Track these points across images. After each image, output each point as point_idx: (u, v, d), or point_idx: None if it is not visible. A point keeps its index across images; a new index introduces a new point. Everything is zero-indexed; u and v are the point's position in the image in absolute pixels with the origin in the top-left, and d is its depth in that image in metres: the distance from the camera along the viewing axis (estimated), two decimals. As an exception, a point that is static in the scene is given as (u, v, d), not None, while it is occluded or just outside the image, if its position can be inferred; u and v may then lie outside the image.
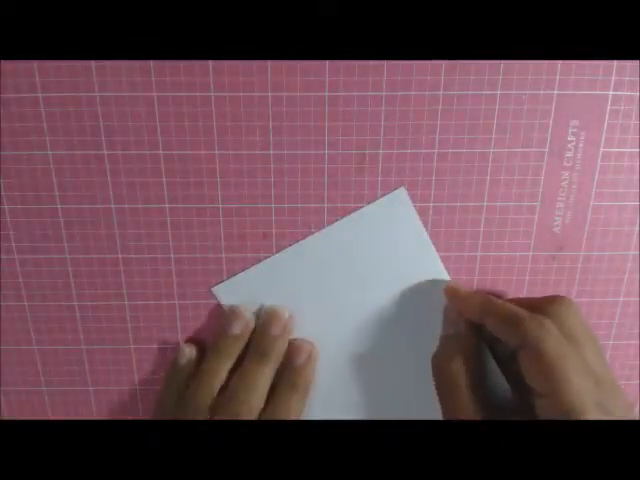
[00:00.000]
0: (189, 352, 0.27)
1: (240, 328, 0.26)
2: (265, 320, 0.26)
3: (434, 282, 0.27)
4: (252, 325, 0.26)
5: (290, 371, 0.26)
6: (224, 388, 0.25)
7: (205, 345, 0.28)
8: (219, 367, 0.25)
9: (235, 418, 0.24)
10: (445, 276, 0.27)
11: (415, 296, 0.27)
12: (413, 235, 0.26)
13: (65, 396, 0.29)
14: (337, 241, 0.26)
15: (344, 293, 0.27)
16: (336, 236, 0.26)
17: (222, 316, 0.27)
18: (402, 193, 0.25)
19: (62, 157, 0.25)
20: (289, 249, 0.26)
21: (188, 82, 0.24)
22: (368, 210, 0.26)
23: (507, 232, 0.26)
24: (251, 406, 0.24)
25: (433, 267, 0.26)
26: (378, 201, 0.26)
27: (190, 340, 0.28)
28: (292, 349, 0.26)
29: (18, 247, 0.27)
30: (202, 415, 0.24)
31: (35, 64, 0.24)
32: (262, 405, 0.25)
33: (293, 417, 0.25)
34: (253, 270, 0.27)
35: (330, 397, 0.28)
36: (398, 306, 0.27)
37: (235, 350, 0.26)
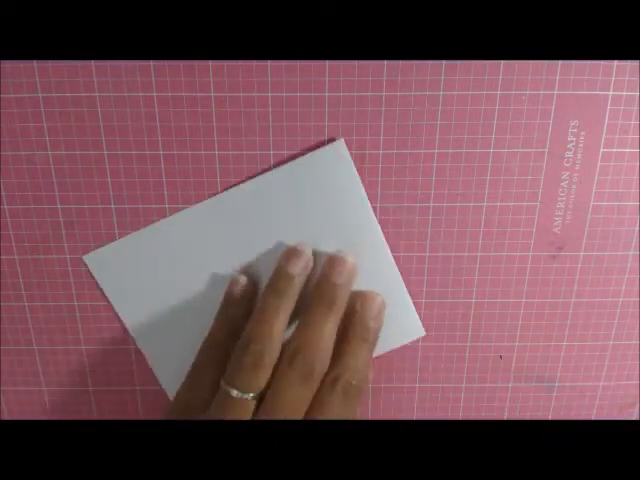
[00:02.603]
0: (243, 281, 0.25)
1: (299, 267, 0.24)
2: (328, 268, 0.25)
3: (367, 236, 0.26)
4: (311, 265, 0.25)
5: (361, 323, 0.25)
6: (287, 341, 0.24)
7: (256, 280, 0.26)
8: (279, 306, 0.24)
9: (308, 369, 0.22)
10: (378, 230, 0.26)
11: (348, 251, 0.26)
12: (349, 189, 0.25)
13: (65, 396, 0.29)
14: (264, 192, 0.25)
15: (266, 248, 0.26)
16: (261, 188, 0.25)
17: (281, 255, 0.25)
18: (340, 144, 0.25)
19: (62, 157, 0.25)
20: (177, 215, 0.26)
21: (188, 82, 0.24)
22: (302, 161, 0.25)
23: (507, 232, 0.26)
24: (322, 357, 0.23)
25: (367, 223, 0.26)
26: (315, 152, 0.25)
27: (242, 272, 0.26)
28: (363, 300, 0.25)
29: (18, 247, 0.27)
30: (262, 360, 0.23)
31: (35, 64, 0.24)
32: (330, 356, 0.23)
33: (364, 369, 0.24)
34: (138, 234, 0.26)
35: None
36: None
37: (294, 291, 0.24)
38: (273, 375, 0.23)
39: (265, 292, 0.24)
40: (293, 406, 0.22)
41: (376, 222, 0.26)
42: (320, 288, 0.24)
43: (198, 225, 0.26)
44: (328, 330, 0.23)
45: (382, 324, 0.25)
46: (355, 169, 0.25)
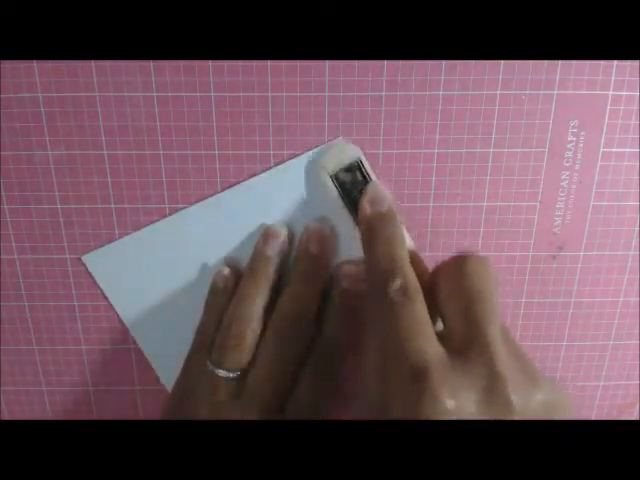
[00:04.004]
0: (225, 271, 0.26)
1: (276, 249, 0.25)
2: (305, 241, 0.25)
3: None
4: (287, 245, 0.25)
5: (339, 294, 0.25)
6: (269, 310, 0.25)
7: (242, 268, 0.26)
8: (258, 288, 0.24)
9: (287, 341, 0.24)
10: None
11: None
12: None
13: (65, 396, 0.29)
14: (247, 198, 0.25)
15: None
16: (245, 194, 0.25)
17: (259, 237, 0.26)
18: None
19: (62, 157, 0.25)
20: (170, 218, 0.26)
21: (188, 82, 0.24)
22: (300, 161, 0.25)
23: (507, 232, 0.26)
24: (308, 327, 0.24)
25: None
26: (312, 152, 0.25)
27: (227, 263, 0.27)
28: (340, 268, 0.25)
29: (18, 247, 0.27)
30: (244, 340, 0.24)
31: (35, 64, 0.24)
32: (312, 322, 0.24)
33: (343, 340, 0.25)
34: (135, 235, 0.26)
35: None
36: None
37: (271, 271, 0.25)
38: (257, 348, 0.24)
39: (244, 275, 0.25)
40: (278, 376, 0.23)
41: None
42: (299, 261, 0.25)
43: (198, 225, 0.26)
44: (308, 299, 0.24)
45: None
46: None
